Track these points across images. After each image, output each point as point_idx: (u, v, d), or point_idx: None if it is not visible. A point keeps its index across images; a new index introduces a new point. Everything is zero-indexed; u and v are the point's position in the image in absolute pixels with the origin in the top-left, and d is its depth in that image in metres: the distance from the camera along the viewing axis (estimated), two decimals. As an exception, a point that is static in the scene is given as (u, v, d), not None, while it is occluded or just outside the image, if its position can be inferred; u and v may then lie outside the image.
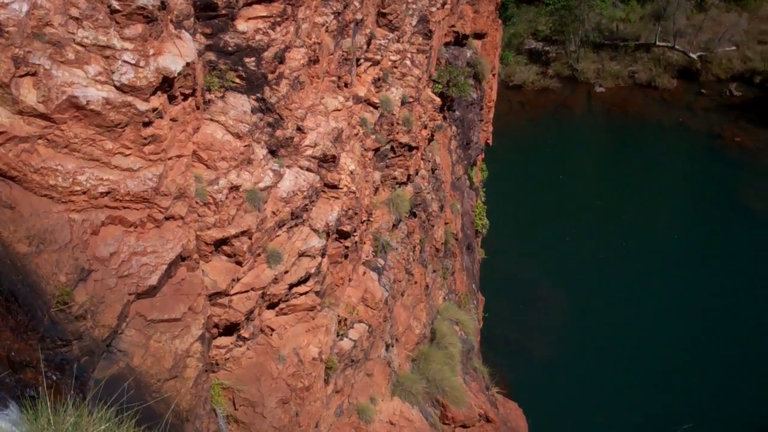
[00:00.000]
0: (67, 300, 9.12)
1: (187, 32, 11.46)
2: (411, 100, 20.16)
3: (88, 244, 9.77)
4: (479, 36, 28.04)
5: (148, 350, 10.31)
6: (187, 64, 10.87)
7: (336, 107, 15.70)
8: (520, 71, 66.53)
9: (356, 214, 16.34)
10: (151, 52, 10.28)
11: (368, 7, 18.10)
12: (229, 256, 12.58)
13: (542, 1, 68.88)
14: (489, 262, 35.43)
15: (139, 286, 10.34)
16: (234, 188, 12.39)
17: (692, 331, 40.18)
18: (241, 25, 12.91)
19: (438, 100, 22.71)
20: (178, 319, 10.89)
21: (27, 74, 9.23)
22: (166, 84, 10.56)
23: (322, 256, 14.79)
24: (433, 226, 23.53)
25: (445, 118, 25.06)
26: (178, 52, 10.77)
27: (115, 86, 9.93)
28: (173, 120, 11.04)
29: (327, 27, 15.37)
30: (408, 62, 20.24)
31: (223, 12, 12.56)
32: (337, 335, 16.23)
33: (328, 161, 15.05)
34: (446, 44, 24.99)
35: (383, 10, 19.19)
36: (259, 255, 13.23)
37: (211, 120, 12.44)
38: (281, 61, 13.63)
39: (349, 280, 17.27)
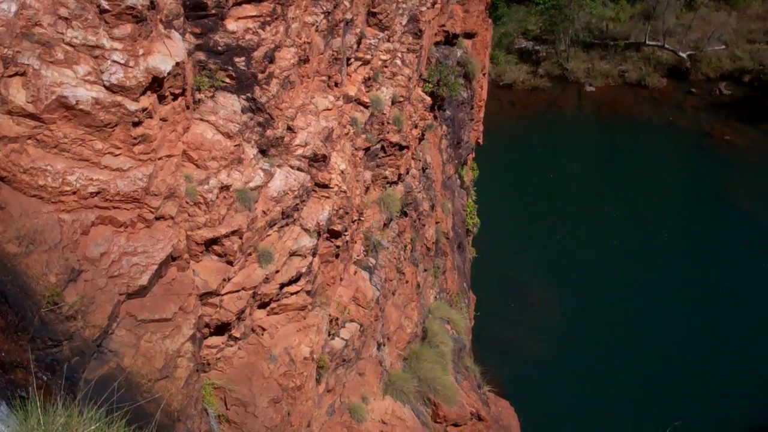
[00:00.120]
0: (57, 300, 9.10)
1: (176, 32, 11.45)
2: (401, 99, 20.17)
3: (78, 244, 9.76)
4: (469, 35, 28.05)
5: (139, 350, 10.29)
6: (177, 63, 10.86)
7: (326, 107, 15.70)
8: (511, 70, 66.61)
9: (347, 213, 16.34)
10: (141, 52, 10.26)
11: (358, 7, 18.11)
12: (219, 255, 12.57)
13: (532, 1, 68.98)
14: (480, 260, 35.42)
15: (129, 286, 10.33)
16: (224, 188, 12.38)
17: (683, 329, 40.28)
18: (231, 25, 12.89)
19: (428, 99, 22.72)
20: (169, 319, 10.88)
21: (16, 74, 9.21)
22: (155, 84, 10.54)
23: (313, 255, 14.79)
24: (424, 225, 23.54)
25: (435, 117, 25.06)
26: (168, 52, 10.76)
27: (104, 86, 9.91)
28: (163, 120, 11.02)
29: (317, 26, 15.37)
30: (398, 62, 20.25)
31: (213, 12, 12.55)
32: (329, 334, 16.23)
33: (318, 161, 15.04)
34: (436, 44, 25.00)
35: (373, 10, 19.19)
36: (249, 255, 13.23)
37: (201, 120, 12.43)
38: (271, 60, 13.62)
39: (341, 280, 17.27)
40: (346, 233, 16.56)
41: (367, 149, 18.76)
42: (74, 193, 9.78)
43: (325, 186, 15.47)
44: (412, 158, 21.71)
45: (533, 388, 36.23)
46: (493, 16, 49.90)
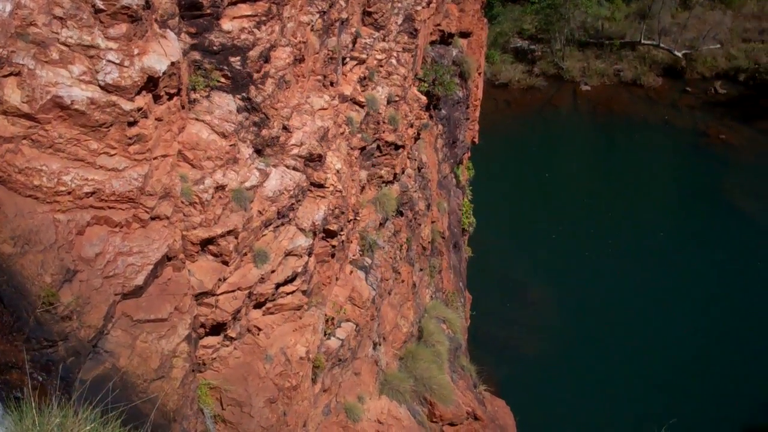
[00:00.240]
0: (52, 301, 9.08)
1: (171, 31, 11.43)
2: (397, 98, 20.16)
3: (73, 244, 9.73)
4: (465, 35, 28.06)
5: (135, 350, 10.27)
6: (172, 63, 10.84)
7: (322, 106, 15.69)
8: (506, 70, 66.71)
9: (343, 213, 16.33)
10: (136, 51, 10.25)
11: (354, 6, 18.09)
12: (215, 255, 12.55)
13: (527, 0, 69.03)
14: (476, 260, 35.47)
15: (125, 286, 10.30)
16: (220, 188, 12.36)
17: (678, 327, 40.33)
18: (226, 25, 12.88)
19: (424, 98, 22.72)
20: (165, 319, 10.86)
21: (11, 74, 9.18)
22: (151, 83, 10.53)
23: (309, 255, 14.78)
24: (419, 224, 23.54)
25: (431, 116, 25.06)
26: (163, 52, 10.74)
27: (99, 86, 9.89)
28: (158, 119, 11.00)
29: (312, 26, 15.35)
30: (394, 61, 20.24)
31: (208, 11, 12.53)
32: (325, 334, 16.22)
33: (314, 160, 15.03)
34: (432, 43, 25.00)
35: (369, 9, 19.18)
36: (245, 254, 13.21)
37: (197, 119, 12.41)
38: (266, 60, 13.61)
39: (336, 279, 17.26)
40: (341, 233, 16.55)
41: (362, 149, 18.75)
42: (69, 193, 9.76)
43: (321, 186, 15.46)
44: (408, 158, 21.71)
45: (529, 388, 36.28)
46: (488, 15, 49.95)
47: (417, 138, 22.99)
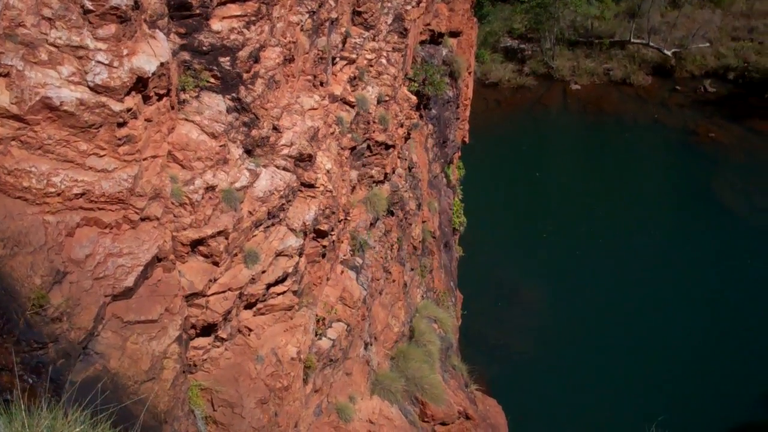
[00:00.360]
0: (42, 302, 9.05)
1: (161, 32, 11.41)
2: (387, 98, 20.16)
3: (63, 246, 9.71)
4: (455, 34, 28.06)
5: (125, 352, 10.25)
6: (162, 64, 10.82)
7: (312, 106, 15.68)
8: (496, 69, 66.73)
9: (333, 213, 16.32)
10: (125, 52, 10.22)
11: (343, 6, 18.08)
12: (205, 256, 12.53)
13: (517, -1, 69.22)
14: (467, 259, 35.49)
15: (115, 287, 10.28)
16: (210, 188, 12.34)
17: (668, 326, 40.42)
18: (216, 25, 12.85)
19: (414, 98, 22.72)
20: (155, 320, 10.84)
21: (0, 75, 9.17)
22: (140, 84, 10.50)
23: (300, 255, 14.76)
24: (410, 224, 23.54)
25: (421, 116, 25.06)
26: (152, 52, 10.72)
27: (88, 87, 9.86)
28: (148, 120, 10.98)
29: (302, 26, 15.34)
30: (384, 61, 20.24)
31: (198, 11, 12.51)
32: (316, 334, 16.20)
33: (304, 160, 15.02)
34: (422, 42, 25.00)
35: (358, 9, 19.17)
36: (236, 255, 13.19)
37: (186, 120, 12.39)
38: (256, 60, 13.59)
39: (327, 280, 17.24)
40: (332, 233, 16.54)
41: (353, 148, 18.74)
42: (59, 194, 9.73)
43: (311, 186, 15.45)
44: (398, 157, 21.71)
45: (521, 387, 36.32)
46: (478, 14, 50.03)
47: (407, 138, 22.99)
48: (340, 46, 18.10)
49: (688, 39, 65.20)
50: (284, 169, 14.48)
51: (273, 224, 14.17)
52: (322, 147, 16.08)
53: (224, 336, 13.29)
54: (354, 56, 18.70)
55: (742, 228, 47.42)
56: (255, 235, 13.73)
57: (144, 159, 10.88)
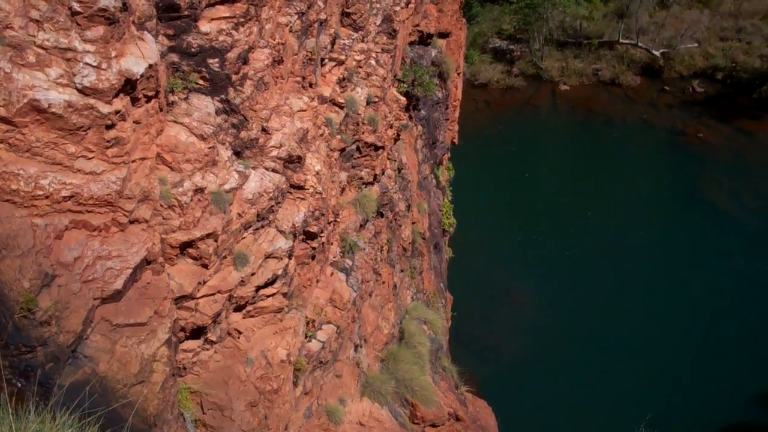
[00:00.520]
0: (31, 306, 9.01)
1: (149, 34, 11.36)
2: (376, 99, 20.14)
3: (51, 249, 9.66)
4: (444, 35, 28.08)
5: (114, 355, 10.21)
6: (150, 65, 10.78)
7: (301, 108, 15.65)
8: (485, 70, 66.78)
9: (323, 214, 16.30)
10: (113, 54, 10.17)
11: (332, 7, 18.06)
12: (194, 258, 12.49)
13: (506, 0, 69.15)
14: (457, 261, 35.52)
15: (104, 290, 10.23)
16: (199, 190, 12.30)
17: (657, 325, 40.53)
18: (204, 26, 12.81)
19: (403, 99, 22.70)
20: (144, 323, 10.80)
21: (-14, 78, 9.12)
22: (128, 86, 10.46)
23: (289, 257, 14.73)
24: (400, 225, 23.54)
25: (410, 117, 25.06)
26: (141, 54, 10.68)
27: (77, 89, 9.82)
28: (136, 122, 10.94)
29: (291, 27, 15.31)
30: (373, 62, 20.22)
31: (186, 13, 12.46)
32: (306, 337, 16.18)
33: (293, 162, 14.99)
34: (411, 43, 25.00)
35: (347, 10, 19.16)
36: (225, 257, 13.16)
37: (175, 122, 12.35)
38: (245, 61, 13.56)
39: (317, 281, 17.22)
40: (322, 235, 16.53)
41: (342, 150, 18.72)
42: (47, 197, 9.68)
43: (301, 187, 15.42)
44: (388, 159, 21.70)
45: (511, 388, 36.33)
46: (467, 15, 50.12)
47: (397, 139, 22.98)
48: (329, 47, 18.09)
49: (676, 39, 65.38)
50: (273, 170, 14.45)
51: (262, 226, 14.14)
52: (312, 148, 16.06)
53: (214, 339, 13.26)
54: (343, 57, 18.69)
55: (730, 228, 47.57)
56: (244, 237, 13.70)
57: (133, 161, 10.84)
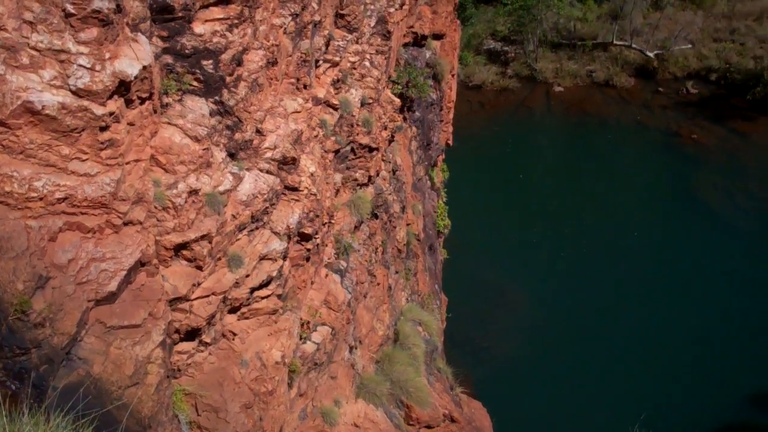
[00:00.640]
0: (25, 308, 8.99)
1: (143, 35, 11.36)
2: (370, 101, 20.14)
3: (45, 251, 9.65)
4: (438, 37, 28.08)
5: (108, 357, 10.19)
6: (144, 67, 10.77)
7: (295, 109, 15.65)
8: (480, 71, 66.82)
9: (317, 216, 16.29)
10: (107, 55, 10.16)
11: (326, 9, 18.06)
12: (189, 260, 12.48)
13: (500, 2, 69.23)
14: (451, 262, 35.49)
15: (98, 292, 10.22)
16: (193, 192, 12.29)
17: (652, 326, 40.56)
18: (198, 28, 12.80)
19: (397, 101, 22.70)
20: (139, 325, 10.78)
21: (-20, 79, 9.11)
22: (122, 88, 10.45)
23: (284, 259, 14.73)
24: (395, 227, 23.53)
25: (405, 119, 25.06)
26: (135, 56, 10.67)
27: (70, 91, 9.81)
28: (130, 124, 10.93)
29: (285, 29, 15.31)
30: (367, 63, 20.22)
31: (180, 14, 12.45)
32: (300, 338, 16.17)
33: (288, 163, 14.99)
34: (405, 45, 25.00)
35: (341, 12, 19.15)
36: (219, 259, 13.15)
37: (169, 123, 12.34)
38: (239, 63, 13.55)
39: (312, 283, 17.22)
40: (316, 236, 16.51)
41: (336, 151, 18.72)
42: (41, 199, 9.67)
43: (295, 189, 15.42)
44: (382, 160, 21.70)
45: (506, 389, 36.31)
46: (461, 17, 50.05)
47: (391, 140, 22.98)
48: (324, 48, 18.08)
49: (670, 40, 65.49)
50: (268, 172, 14.44)
51: (257, 228, 14.13)
52: (306, 150, 16.05)
53: (208, 340, 13.24)
54: (337, 59, 18.68)
55: (724, 228, 47.65)
56: (239, 239, 13.69)
57: (127, 163, 10.83)
